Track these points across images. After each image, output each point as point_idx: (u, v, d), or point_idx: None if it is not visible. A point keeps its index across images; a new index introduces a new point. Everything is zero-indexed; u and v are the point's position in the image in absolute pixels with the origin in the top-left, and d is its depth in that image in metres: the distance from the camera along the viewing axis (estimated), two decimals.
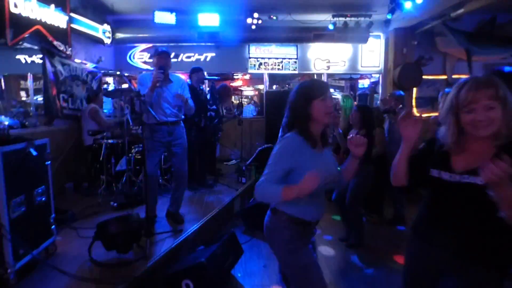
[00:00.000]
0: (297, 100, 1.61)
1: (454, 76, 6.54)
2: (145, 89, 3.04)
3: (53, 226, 2.63)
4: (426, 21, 5.50)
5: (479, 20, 5.43)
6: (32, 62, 6.43)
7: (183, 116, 3.42)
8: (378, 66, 6.86)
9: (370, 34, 6.12)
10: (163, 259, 2.71)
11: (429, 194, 1.45)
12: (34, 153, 2.34)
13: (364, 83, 9.13)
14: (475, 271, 1.27)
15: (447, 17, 4.96)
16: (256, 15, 5.75)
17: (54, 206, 2.70)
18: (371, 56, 6.81)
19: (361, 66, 6.88)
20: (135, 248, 2.71)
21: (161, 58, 3.13)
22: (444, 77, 6.69)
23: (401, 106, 2.78)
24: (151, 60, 5.76)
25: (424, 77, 6.21)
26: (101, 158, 4.13)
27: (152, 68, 3.24)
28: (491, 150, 1.23)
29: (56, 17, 4.25)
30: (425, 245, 1.42)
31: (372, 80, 8.06)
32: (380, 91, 7.04)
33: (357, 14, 5.79)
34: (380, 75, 6.95)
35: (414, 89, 6.59)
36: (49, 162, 2.58)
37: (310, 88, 1.62)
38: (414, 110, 6.67)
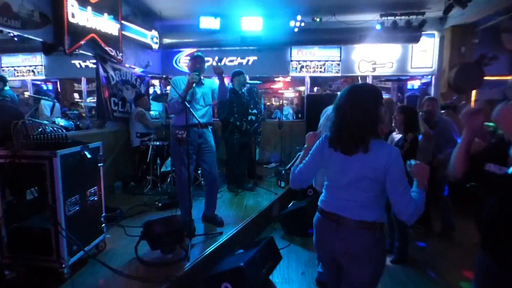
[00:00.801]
0: (374, 105, 1.53)
1: None
2: (179, 90, 3.11)
3: (103, 225, 2.78)
4: (490, 17, 4.98)
5: None
6: (86, 66, 6.96)
7: (212, 120, 3.50)
8: (431, 67, 6.38)
9: (423, 33, 5.72)
10: (203, 260, 2.76)
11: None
12: (89, 155, 2.49)
13: (413, 84, 8.58)
14: None
15: None
16: (299, 17, 5.66)
17: (104, 204, 2.86)
18: (423, 56, 6.35)
19: (411, 68, 6.45)
20: (177, 248, 2.78)
21: (195, 62, 3.26)
22: None
23: (464, 102, 2.52)
24: None
25: (486, 78, 5.64)
26: (147, 160, 4.31)
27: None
28: None
29: (109, 25, 4.50)
30: (488, 255, 1.34)
31: (423, 81, 7.55)
32: (432, 93, 6.56)
33: (408, 12, 5.43)
34: (433, 77, 6.47)
35: (474, 92, 6.02)
36: (101, 164, 2.73)
37: (378, 92, 1.58)
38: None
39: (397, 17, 5.48)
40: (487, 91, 5.94)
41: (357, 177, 1.52)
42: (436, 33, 6.21)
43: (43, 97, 4.85)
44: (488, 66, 5.72)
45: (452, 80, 5.70)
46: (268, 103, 11.97)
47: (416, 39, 5.82)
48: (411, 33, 5.66)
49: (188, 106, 2.97)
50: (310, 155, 1.71)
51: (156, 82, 7.89)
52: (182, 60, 6.95)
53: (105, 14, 4.42)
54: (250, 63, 6.80)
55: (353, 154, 1.52)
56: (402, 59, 6.44)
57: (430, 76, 6.61)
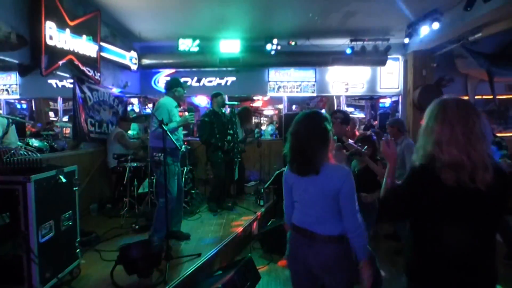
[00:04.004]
0: (325, 132, 1.68)
1: (476, 97, 6.41)
2: (165, 117, 3.22)
3: (78, 250, 2.73)
4: (444, 44, 5.49)
5: (499, 41, 5.36)
6: (63, 86, 6.86)
7: None
8: (398, 88, 6.83)
9: (389, 56, 6.15)
10: (181, 283, 2.74)
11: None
12: (64, 180, 2.47)
13: (385, 102, 9.05)
14: None
15: (466, 40, 4.93)
16: (275, 41, 5.91)
17: (80, 228, 2.81)
18: (390, 78, 6.81)
19: (380, 88, 6.87)
20: (155, 272, 2.75)
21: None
22: (466, 97, 6.58)
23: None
24: None
25: None
26: (124, 181, 4.27)
27: None
28: None
29: (87, 47, 4.50)
30: None
31: (394, 99, 8.00)
32: (400, 111, 6.96)
33: (375, 38, 5.85)
34: (400, 96, 6.89)
35: None
36: (77, 188, 2.71)
37: (328, 120, 1.72)
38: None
39: (365, 42, 5.87)
40: None
41: (316, 195, 1.67)
42: (400, 57, 6.71)
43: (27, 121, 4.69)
44: (445, 87, 6.23)
45: (416, 99, 6.13)
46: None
47: (383, 63, 6.24)
48: (378, 57, 6.07)
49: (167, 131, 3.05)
50: (284, 192, 1.87)
51: (134, 100, 7.88)
52: (161, 80, 7.00)
53: (84, 36, 4.42)
54: (228, 83, 6.96)
55: (306, 175, 1.66)
56: (372, 80, 6.85)
57: (397, 97, 7.03)
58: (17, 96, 7.15)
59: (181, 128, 3.51)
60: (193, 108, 3.45)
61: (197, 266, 3.01)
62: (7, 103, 7.47)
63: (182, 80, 6.75)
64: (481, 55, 5.29)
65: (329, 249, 1.65)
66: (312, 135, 1.65)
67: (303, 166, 1.66)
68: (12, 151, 2.48)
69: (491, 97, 5.71)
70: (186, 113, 3.37)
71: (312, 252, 1.67)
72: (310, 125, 1.67)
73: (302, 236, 1.71)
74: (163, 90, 6.91)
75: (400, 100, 6.95)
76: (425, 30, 4.84)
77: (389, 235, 4.26)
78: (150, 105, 7.39)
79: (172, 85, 3.50)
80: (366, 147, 2.65)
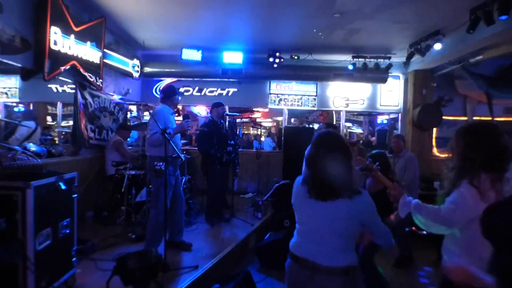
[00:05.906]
0: (348, 155, 1.66)
1: (475, 118, 6.50)
2: (162, 123, 3.16)
3: (74, 259, 2.67)
4: (445, 65, 5.60)
5: (498, 64, 5.48)
6: (63, 91, 6.81)
7: None
8: (397, 105, 6.90)
9: (389, 74, 6.24)
10: None
11: None
12: (63, 186, 2.43)
13: (383, 119, 9.14)
14: None
15: (466, 62, 5.03)
16: (278, 54, 5.98)
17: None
18: (390, 95, 6.88)
19: (380, 105, 6.93)
20: (152, 283, 2.69)
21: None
22: (465, 118, 6.66)
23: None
24: None
25: (444, 117, 6.20)
26: (122, 189, 4.21)
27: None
28: None
29: (91, 53, 4.49)
30: None
31: (392, 116, 8.08)
32: (399, 128, 7.02)
33: (377, 56, 5.94)
34: (399, 114, 6.96)
35: (434, 129, 6.56)
36: (76, 195, 2.66)
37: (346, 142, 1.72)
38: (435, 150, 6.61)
39: (366, 59, 5.97)
40: (445, 129, 6.50)
41: (329, 221, 1.54)
42: (401, 75, 6.80)
43: (22, 124, 4.66)
44: (445, 108, 6.33)
45: (416, 118, 6.19)
46: (246, 132, 12.15)
47: (383, 80, 6.34)
48: (379, 74, 6.17)
49: (169, 139, 3.03)
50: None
51: (133, 107, 7.85)
52: None
53: (88, 42, 4.41)
54: (230, 94, 6.99)
55: (333, 200, 1.54)
56: (372, 97, 6.91)
57: (397, 114, 7.10)
58: (17, 100, 7.08)
59: (179, 136, 3.49)
60: (188, 115, 3.44)
61: (194, 278, 2.96)
62: (6, 106, 7.38)
63: (183, 89, 6.83)
64: (480, 77, 5.40)
65: (334, 282, 1.51)
66: (340, 156, 1.56)
67: (331, 190, 1.53)
68: (11, 154, 2.44)
69: (490, 119, 5.79)
70: (182, 120, 3.34)
71: (314, 285, 1.53)
72: (336, 145, 1.59)
73: (302, 267, 1.57)
74: None
75: (399, 118, 7.01)
76: (426, 50, 4.93)
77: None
78: (147, 113, 7.38)
79: (171, 93, 3.51)
80: (377, 163, 2.61)
